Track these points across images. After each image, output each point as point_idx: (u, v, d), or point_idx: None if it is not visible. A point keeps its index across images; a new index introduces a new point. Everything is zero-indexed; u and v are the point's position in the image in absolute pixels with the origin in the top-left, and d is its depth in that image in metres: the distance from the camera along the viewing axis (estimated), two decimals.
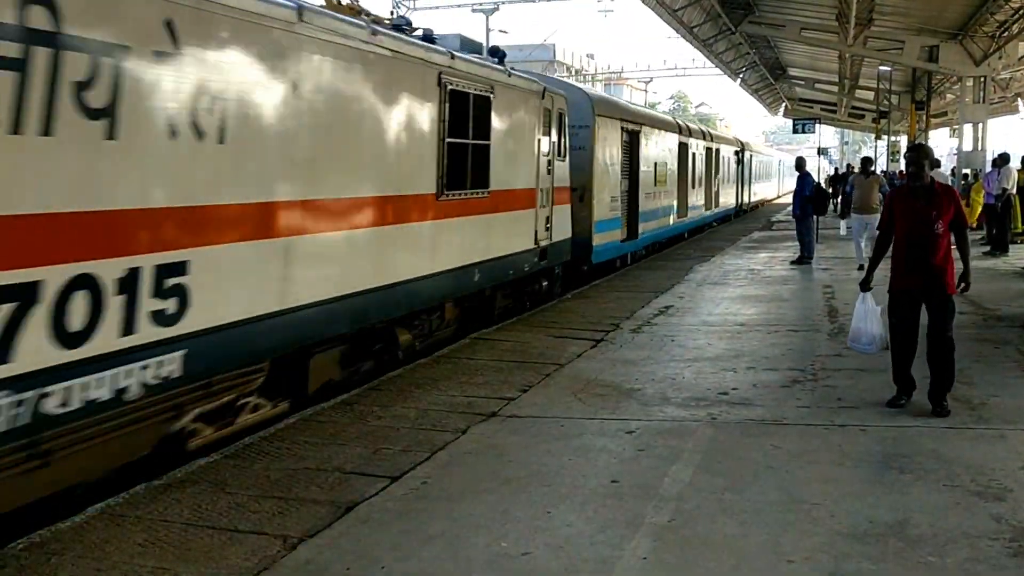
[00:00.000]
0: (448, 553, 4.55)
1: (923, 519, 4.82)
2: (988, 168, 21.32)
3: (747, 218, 34.98)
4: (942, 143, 51.04)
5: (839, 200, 26.23)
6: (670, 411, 7.06)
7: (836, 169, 46.34)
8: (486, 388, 7.84)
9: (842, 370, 8.26)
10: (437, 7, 39.66)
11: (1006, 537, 4.56)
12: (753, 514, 4.96)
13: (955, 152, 25.31)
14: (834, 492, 5.25)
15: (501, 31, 43.20)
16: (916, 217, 6.90)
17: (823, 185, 23.21)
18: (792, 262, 17.50)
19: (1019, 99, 37.07)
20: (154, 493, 5.40)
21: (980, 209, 20.89)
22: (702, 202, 25.52)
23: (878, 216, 15.64)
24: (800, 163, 18.73)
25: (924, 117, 31.80)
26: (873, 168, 17.25)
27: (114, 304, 5.15)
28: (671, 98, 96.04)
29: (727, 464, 5.80)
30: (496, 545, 4.62)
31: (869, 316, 7.33)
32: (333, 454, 6.08)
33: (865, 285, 7.35)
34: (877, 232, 7.53)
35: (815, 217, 18.00)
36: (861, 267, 14.94)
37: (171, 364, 5.58)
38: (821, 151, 51.77)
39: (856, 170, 20.59)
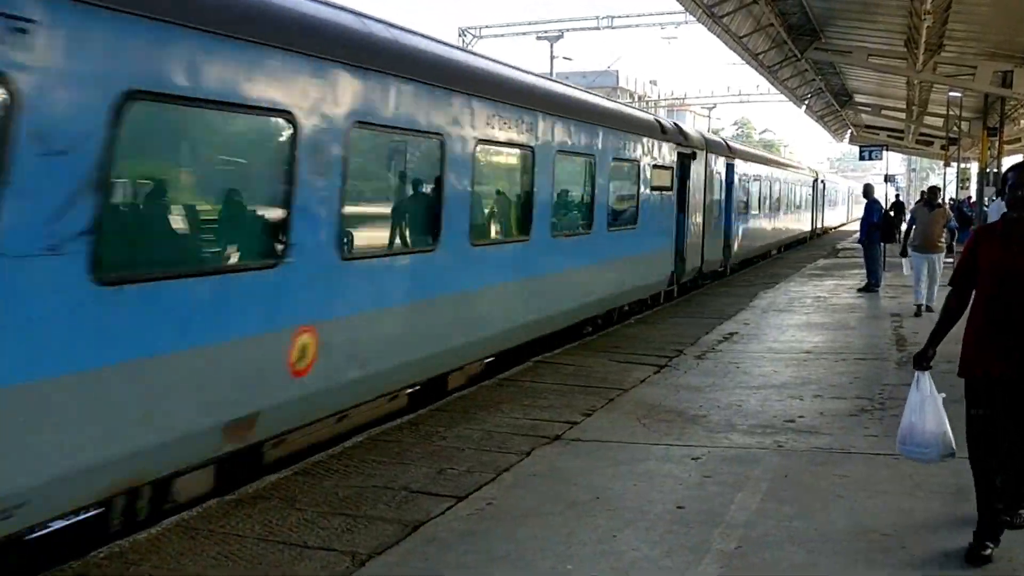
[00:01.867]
0: (514, 574, 4.58)
1: (1000, 553, 4.71)
2: None
3: (812, 245, 35.09)
4: None
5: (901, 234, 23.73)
6: (736, 438, 7.01)
7: (898, 195, 44.69)
8: (549, 411, 7.87)
9: None
10: (502, 35, 40.12)
11: None
12: (821, 543, 4.90)
13: None
14: (905, 523, 5.17)
15: (565, 58, 43.50)
16: (1013, 268, 4.70)
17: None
18: (859, 290, 17.23)
19: None
20: (226, 508, 5.53)
21: None
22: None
23: (941, 256, 14.22)
24: (868, 190, 18.45)
25: (996, 144, 31.06)
26: (940, 200, 14.85)
27: None
28: (734, 124, 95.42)
29: (794, 492, 5.74)
30: (561, 567, 4.64)
31: (927, 408, 5.13)
32: (400, 473, 6.17)
33: (922, 361, 5.11)
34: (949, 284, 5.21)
35: (882, 245, 17.68)
36: (920, 309, 13.66)
37: None
38: (888, 178, 50.87)
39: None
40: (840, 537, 4.99)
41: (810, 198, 36.89)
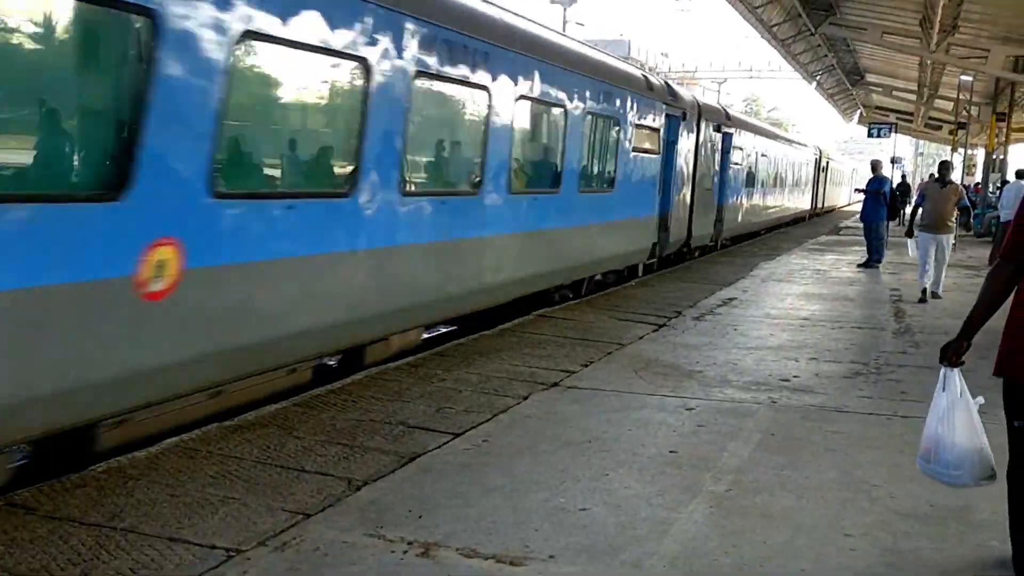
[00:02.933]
0: (507, 504, 4.65)
1: (987, 507, 4.75)
2: None
3: (804, 226, 34.25)
4: (1021, 158, 49.57)
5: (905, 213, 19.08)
6: (731, 392, 7.07)
7: (904, 177, 43.59)
8: (548, 361, 7.92)
9: (906, 366, 8.17)
10: None
11: None
12: (811, 490, 4.97)
13: None
14: (895, 476, 5.23)
15: (578, 23, 43.17)
16: None
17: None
18: (859, 265, 17.25)
19: None
20: (225, 432, 5.60)
21: None
22: None
23: (951, 237, 12.89)
24: (875, 165, 18.43)
25: (1005, 130, 30.97)
26: (950, 177, 13.30)
27: None
28: (744, 101, 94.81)
29: (787, 444, 5.80)
30: (554, 500, 4.71)
31: (956, 416, 4.14)
32: (398, 409, 6.23)
33: (951, 353, 4.12)
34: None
35: (886, 222, 17.66)
36: (924, 294, 12.66)
37: None
38: (895, 160, 50.73)
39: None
40: (830, 486, 5.05)
41: (654, 170, 14.07)
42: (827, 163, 40.64)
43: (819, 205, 39.25)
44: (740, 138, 20.84)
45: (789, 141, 31.85)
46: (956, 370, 4.14)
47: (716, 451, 5.58)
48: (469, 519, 4.44)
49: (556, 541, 4.21)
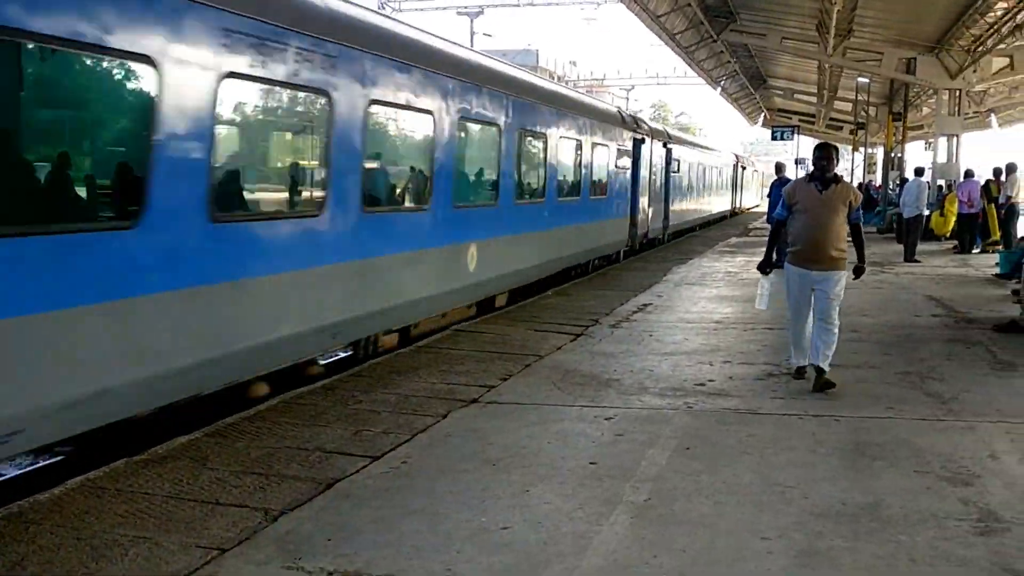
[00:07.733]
0: (429, 526, 4.61)
1: (895, 501, 4.93)
2: (962, 179, 21.52)
3: (725, 224, 35.61)
4: (917, 156, 51.53)
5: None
6: (648, 400, 7.15)
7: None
8: (467, 376, 7.90)
9: None
10: (422, 9, 39.75)
11: (973, 518, 4.69)
12: (728, 495, 5.05)
13: (931, 165, 25.34)
14: (808, 476, 5.35)
15: (485, 34, 43.40)
16: None
17: None
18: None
19: (992, 114, 37.56)
20: (135, 467, 5.42)
21: (954, 220, 21.30)
22: None
23: (841, 276, 7.43)
24: (780, 167, 18.88)
25: (901, 129, 32.14)
26: (834, 172, 7.63)
27: None
28: (652, 107, 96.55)
29: (703, 449, 5.89)
30: (476, 520, 4.69)
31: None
32: (314, 435, 6.13)
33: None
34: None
35: None
36: (801, 371, 7.72)
37: None
38: (798, 161, 52.21)
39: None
40: (746, 490, 5.14)
41: None
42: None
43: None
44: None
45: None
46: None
47: (635, 460, 5.63)
48: (390, 544, 4.39)
49: (479, 562, 4.19)
